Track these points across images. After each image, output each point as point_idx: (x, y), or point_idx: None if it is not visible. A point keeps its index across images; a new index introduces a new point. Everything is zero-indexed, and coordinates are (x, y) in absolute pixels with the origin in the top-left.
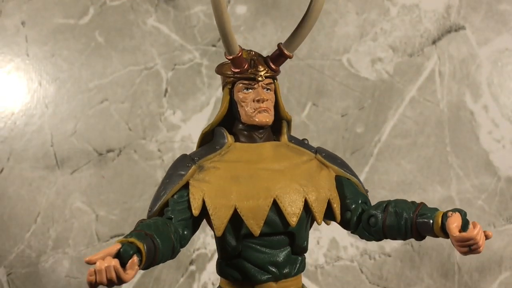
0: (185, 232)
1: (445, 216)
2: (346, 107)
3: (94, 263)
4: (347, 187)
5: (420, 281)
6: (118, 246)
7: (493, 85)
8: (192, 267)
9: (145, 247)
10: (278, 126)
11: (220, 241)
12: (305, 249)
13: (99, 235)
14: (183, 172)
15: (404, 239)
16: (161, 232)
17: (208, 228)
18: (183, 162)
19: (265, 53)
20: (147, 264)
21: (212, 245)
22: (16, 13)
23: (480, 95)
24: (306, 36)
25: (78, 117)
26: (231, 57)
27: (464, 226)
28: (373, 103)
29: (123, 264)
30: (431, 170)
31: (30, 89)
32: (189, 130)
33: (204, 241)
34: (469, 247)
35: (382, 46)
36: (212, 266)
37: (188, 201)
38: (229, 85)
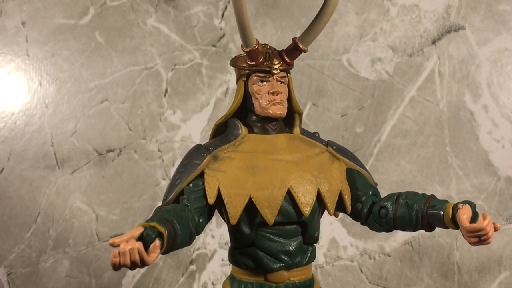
0: (201, 220)
1: (455, 207)
2: (346, 107)
3: (118, 245)
4: (358, 179)
5: (420, 281)
6: (141, 229)
7: (492, 85)
8: (192, 267)
9: (166, 231)
10: (290, 119)
11: (234, 230)
12: (316, 239)
13: (99, 235)
14: (198, 162)
15: (414, 230)
16: (180, 218)
17: (208, 228)
18: (198, 151)
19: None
20: (168, 248)
21: (212, 245)
22: (17, 13)
23: (479, 95)
24: (321, 31)
25: (78, 117)
26: (248, 50)
27: (474, 217)
28: (372, 103)
29: (146, 248)
30: (430, 170)
31: (30, 89)
32: (189, 130)
33: (204, 241)
34: (479, 237)
35: (382, 46)
36: (212, 266)
37: (204, 190)
38: (244, 77)
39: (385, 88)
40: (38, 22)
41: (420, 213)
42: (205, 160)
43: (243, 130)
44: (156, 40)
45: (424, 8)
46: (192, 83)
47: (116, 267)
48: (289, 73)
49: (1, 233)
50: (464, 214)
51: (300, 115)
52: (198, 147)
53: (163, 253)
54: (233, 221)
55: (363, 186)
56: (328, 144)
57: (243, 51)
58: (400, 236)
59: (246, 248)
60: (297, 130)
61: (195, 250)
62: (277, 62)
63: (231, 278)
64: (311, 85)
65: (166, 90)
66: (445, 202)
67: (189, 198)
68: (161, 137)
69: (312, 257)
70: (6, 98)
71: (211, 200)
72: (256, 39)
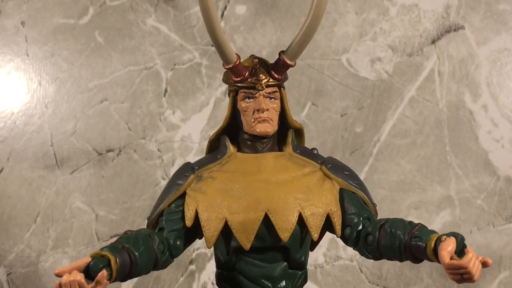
0: (178, 243)
1: (438, 240)
2: (345, 107)
3: (62, 276)
4: (351, 201)
5: (419, 280)
6: (89, 259)
7: (492, 85)
8: (192, 267)
9: (117, 260)
10: (286, 136)
11: (215, 253)
12: (302, 264)
13: (99, 235)
14: (181, 182)
15: (400, 260)
16: (140, 245)
17: None
18: (183, 171)
19: (264, 53)
20: (122, 276)
21: None
22: (16, 13)
23: (479, 94)
24: (306, 44)
25: (78, 117)
26: (228, 67)
27: (460, 252)
28: (372, 103)
29: (94, 277)
30: (430, 170)
31: (30, 89)
32: (188, 130)
33: (204, 241)
34: (461, 275)
35: (381, 46)
36: (212, 265)
37: (183, 211)
38: (232, 93)
39: (384, 88)
40: (37, 22)
41: (403, 243)
42: (187, 181)
43: (230, 148)
44: (156, 40)
45: (424, 8)
46: (192, 83)
47: None
48: (282, 87)
49: (1, 233)
50: (446, 248)
51: (299, 130)
52: (185, 166)
53: (121, 281)
54: (209, 245)
55: (356, 209)
56: (323, 162)
57: (224, 68)
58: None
59: (227, 271)
60: (289, 148)
61: (195, 250)
62: (263, 77)
63: None
64: (311, 85)
65: (166, 90)
66: (430, 233)
67: (167, 220)
68: (160, 137)
69: (302, 283)
70: (5, 98)
71: (188, 222)
72: (237, 54)
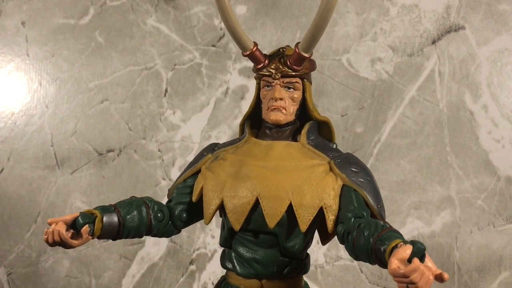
0: (184, 215)
1: (396, 246)
2: (345, 107)
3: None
4: (350, 198)
5: None
6: (77, 214)
7: (492, 85)
8: (192, 267)
9: (103, 219)
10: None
11: (220, 231)
12: (295, 254)
13: None
14: (198, 160)
15: (370, 263)
16: (132, 210)
17: (208, 228)
18: (204, 150)
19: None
20: (110, 235)
21: (212, 245)
22: (16, 13)
23: (479, 95)
24: (319, 36)
25: (78, 117)
26: (246, 54)
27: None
28: (372, 103)
29: (78, 231)
30: (430, 170)
31: (30, 89)
32: (189, 130)
33: (204, 241)
34: (407, 284)
35: (381, 46)
36: (212, 266)
37: (193, 186)
38: (257, 80)
39: (385, 88)
40: (38, 22)
41: (370, 246)
42: (204, 159)
43: (247, 133)
44: (156, 40)
45: (424, 8)
46: (192, 83)
47: (48, 243)
48: (306, 79)
49: (1, 233)
50: (398, 255)
51: (326, 123)
52: (207, 146)
53: (112, 239)
54: (205, 221)
55: (352, 206)
56: (335, 157)
57: (243, 55)
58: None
59: (227, 250)
60: (303, 138)
61: (195, 250)
62: (280, 67)
63: (222, 277)
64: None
65: (166, 90)
66: (394, 238)
67: (178, 192)
68: (161, 137)
69: (296, 272)
70: (6, 98)
71: (194, 197)
72: (255, 42)
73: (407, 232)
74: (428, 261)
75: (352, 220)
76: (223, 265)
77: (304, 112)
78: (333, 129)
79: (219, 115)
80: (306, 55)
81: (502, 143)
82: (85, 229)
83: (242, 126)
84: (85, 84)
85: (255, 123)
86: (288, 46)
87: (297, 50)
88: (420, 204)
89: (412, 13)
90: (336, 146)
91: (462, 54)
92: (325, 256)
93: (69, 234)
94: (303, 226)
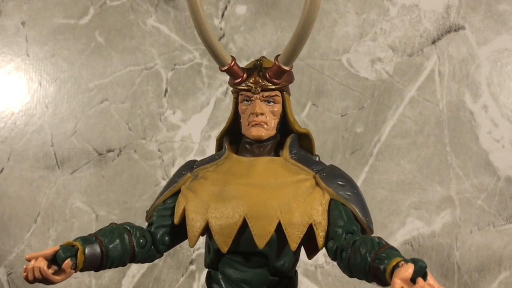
0: (166, 238)
1: (397, 265)
2: (345, 107)
3: (29, 261)
4: (338, 213)
5: None
6: (57, 248)
7: (492, 85)
8: (192, 267)
9: (85, 251)
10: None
11: (205, 252)
12: (284, 272)
13: None
14: (177, 179)
15: (368, 281)
16: (114, 238)
17: None
18: (182, 169)
19: (264, 53)
20: (93, 267)
21: None
22: (16, 13)
23: (479, 95)
24: (299, 49)
25: (78, 117)
26: (223, 69)
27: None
28: (372, 103)
29: (60, 265)
30: (430, 170)
31: (30, 89)
32: (189, 130)
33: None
34: None
35: (381, 46)
36: None
37: (174, 208)
38: (234, 94)
39: (385, 88)
40: (38, 22)
41: (368, 264)
42: (183, 178)
43: (227, 149)
44: (156, 40)
45: (424, 8)
46: (192, 83)
47: (28, 281)
48: (285, 91)
49: (1, 233)
50: (400, 275)
51: (306, 135)
52: (185, 164)
53: (95, 270)
54: (190, 244)
55: (342, 222)
56: (319, 170)
57: (220, 70)
58: (400, 236)
59: (214, 271)
60: (285, 153)
61: (195, 250)
62: (259, 81)
63: None
64: (311, 85)
65: (166, 90)
66: (393, 256)
67: (158, 215)
68: (161, 137)
69: None
70: (6, 98)
71: (176, 219)
72: (232, 56)
73: (407, 232)
74: (430, 278)
75: (344, 236)
76: (209, 287)
77: (283, 125)
78: (314, 141)
79: (219, 115)
80: (286, 68)
81: (502, 143)
82: (67, 263)
83: (219, 141)
84: (85, 84)
85: (233, 138)
86: (264, 57)
87: (277, 63)
88: (420, 204)
89: (412, 13)
90: (319, 158)
91: (462, 54)
92: (325, 256)
93: (51, 271)
94: (293, 244)
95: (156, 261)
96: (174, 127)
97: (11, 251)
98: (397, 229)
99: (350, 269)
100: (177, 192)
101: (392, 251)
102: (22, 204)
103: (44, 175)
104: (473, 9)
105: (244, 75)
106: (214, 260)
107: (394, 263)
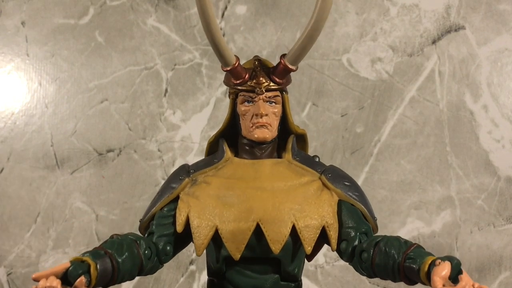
0: (168, 248)
1: (433, 263)
2: (346, 107)
3: (38, 280)
4: (349, 214)
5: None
6: (68, 265)
7: (492, 85)
8: (192, 267)
9: (98, 266)
10: (286, 142)
11: (207, 260)
12: (295, 277)
13: (99, 235)
14: (174, 185)
15: (394, 281)
16: (123, 251)
17: None
18: (178, 174)
19: (265, 53)
20: (104, 282)
21: None
22: (16, 13)
23: (479, 95)
24: (309, 48)
25: (78, 117)
26: (227, 69)
27: (455, 278)
28: (373, 103)
29: (72, 283)
30: (430, 170)
31: (30, 89)
32: (189, 130)
33: None
34: None
35: (382, 46)
36: None
37: (175, 215)
38: (232, 95)
39: (385, 88)
40: (38, 22)
41: (397, 264)
42: (181, 184)
43: (227, 152)
44: (156, 40)
45: (424, 8)
46: (192, 83)
47: None
48: (285, 91)
49: (1, 233)
50: (439, 273)
51: (302, 136)
52: (180, 169)
53: (98, 286)
54: (198, 252)
55: (353, 222)
56: (323, 171)
57: (223, 70)
58: (400, 236)
59: (218, 280)
60: (288, 155)
61: (195, 250)
62: (263, 81)
63: None
64: (311, 85)
65: (166, 90)
66: (425, 255)
67: (158, 224)
68: (161, 137)
69: None
70: (6, 98)
71: (179, 228)
72: (236, 56)
73: (407, 232)
74: (465, 275)
75: (358, 237)
76: None
77: (280, 126)
78: (308, 141)
79: (219, 115)
80: (293, 67)
81: (502, 143)
82: (81, 280)
83: (212, 144)
84: (85, 84)
85: (227, 140)
86: (258, 56)
87: (283, 62)
88: (420, 204)
89: (412, 13)
90: (319, 159)
91: (462, 54)
92: (325, 256)
93: None
94: (308, 248)
95: None
96: (174, 127)
97: (11, 251)
98: (397, 229)
99: (374, 269)
100: (175, 199)
101: (422, 250)
102: (22, 204)
103: (44, 175)
104: (473, 9)
105: (247, 76)
106: (222, 267)
107: (429, 262)
